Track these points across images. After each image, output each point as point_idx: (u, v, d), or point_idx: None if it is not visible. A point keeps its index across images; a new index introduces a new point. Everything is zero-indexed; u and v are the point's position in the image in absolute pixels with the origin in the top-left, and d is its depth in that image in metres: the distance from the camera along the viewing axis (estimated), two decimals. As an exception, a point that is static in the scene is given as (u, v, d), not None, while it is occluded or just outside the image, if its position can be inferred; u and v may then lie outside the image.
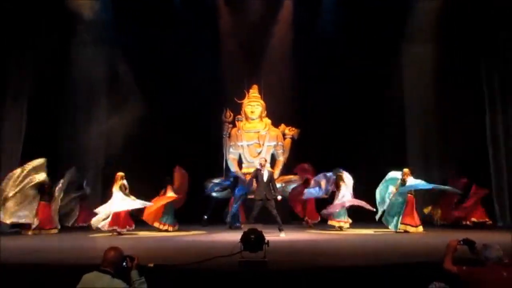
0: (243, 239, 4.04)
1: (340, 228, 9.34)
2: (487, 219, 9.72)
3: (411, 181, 8.93)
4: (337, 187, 9.64)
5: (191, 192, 10.40)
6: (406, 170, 9.13)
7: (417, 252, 5.36)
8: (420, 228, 8.85)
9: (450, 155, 11.04)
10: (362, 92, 12.12)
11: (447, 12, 11.19)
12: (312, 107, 12.40)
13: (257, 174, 8.47)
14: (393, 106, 12.27)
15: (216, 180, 11.64)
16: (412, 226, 8.76)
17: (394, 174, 9.27)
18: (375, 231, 8.91)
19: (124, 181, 8.96)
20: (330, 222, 9.58)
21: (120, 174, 9.03)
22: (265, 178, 8.32)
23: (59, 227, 9.69)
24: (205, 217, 10.80)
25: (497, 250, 3.71)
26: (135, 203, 8.93)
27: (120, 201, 8.74)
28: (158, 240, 7.88)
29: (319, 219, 10.49)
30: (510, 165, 10.64)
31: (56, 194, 9.58)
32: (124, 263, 3.20)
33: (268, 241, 4.08)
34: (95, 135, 11.72)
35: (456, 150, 10.99)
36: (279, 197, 8.44)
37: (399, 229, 8.77)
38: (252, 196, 8.98)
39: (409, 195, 8.97)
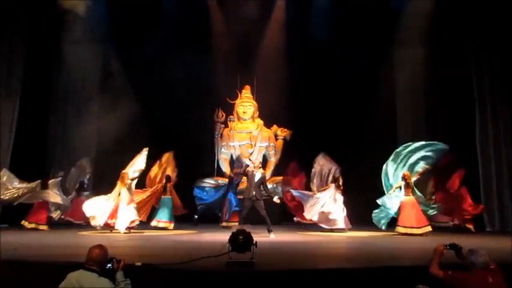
0: (231, 239, 4.03)
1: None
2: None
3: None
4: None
5: (182, 192, 10.38)
6: (407, 173, 9.12)
7: (404, 255, 5.39)
8: (427, 228, 8.68)
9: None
10: (355, 93, 12.20)
11: (438, 14, 11.33)
12: (304, 108, 12.41)
13: (248, 172, 8.41)
14: (385, 107, 12.35)
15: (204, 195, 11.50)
16: (414, 227, 8.62)
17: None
18: (368, 235, 8.92)
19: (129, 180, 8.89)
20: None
21: (126, 172, 8.94)
22: (256, 179, 8.24)
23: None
24: (196, 216, 10.78)
25: (483, 256, 3.74)
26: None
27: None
28: (147, 238, 7.85)
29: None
30: (499, 170, 10.75)
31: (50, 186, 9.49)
32: (110, 265, 3.17)
33: (256, 242, 4.07)
34: (87, 133, 11.66)
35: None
36: (277, 200, 8.34)
37: (398, 232, 8.74)
38: (241, 196, 8.97)
39: (406, 197, 8.95)
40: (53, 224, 9.74)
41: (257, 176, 8.29)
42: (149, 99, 12.11)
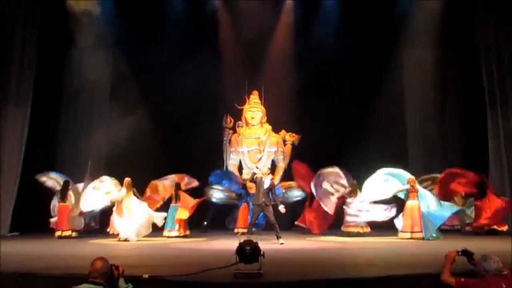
0: (238, 250, 4.00)
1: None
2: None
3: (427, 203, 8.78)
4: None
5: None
6: (412, 178, 9.02)
7: (416, 263, 5.29)
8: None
9: (450, 162, 10.99)
10: (363, 97, 12.15)
11: (446, 15, 11.26)
12: (312, 113, 12.36)
13: (256, 180, 8.38)
14: (394, 111, 12.29)
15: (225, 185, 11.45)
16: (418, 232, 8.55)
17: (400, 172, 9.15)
18: (378, 239, 8.81)
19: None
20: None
21: (129, 179, 8.97)
22: (265, 185, 8.22)
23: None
24: (205, 223, 10.78)
25: (496, 262, 3.67)
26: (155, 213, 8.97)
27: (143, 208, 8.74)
28: (155, 248, 7.83)
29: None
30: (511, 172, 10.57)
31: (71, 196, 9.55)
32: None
33: (263, 252, 4.03)
34: (96, 141, 11.75)
35: (457, 157, 11.00)
36: (283, 210, 8.20)
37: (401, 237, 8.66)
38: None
39: (411, 201, 8.84)
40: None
41: (266, 182, 8.27)
42: (158, 104, 12.16)
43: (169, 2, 12.62)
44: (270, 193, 8.22)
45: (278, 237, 7.85)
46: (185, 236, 9.37)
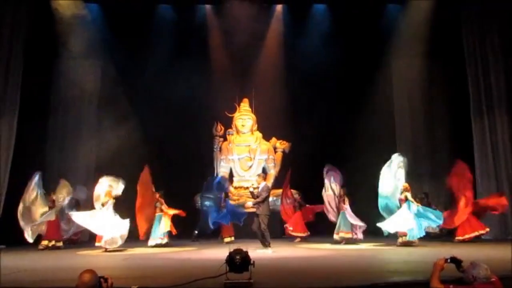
0: (228, 260, 3.98)
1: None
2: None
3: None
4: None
5: (180, 207, 10.31)
6: (406, 184, 9.06)
7: (406, 270, 5.31)
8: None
9: (438, 166, 11.11)
10: (353, 105, 12.23)
11: (434, 24, 11.46)
12: (303, 121, 12.42)
13: (254, 193, 8.48)
14: (383, 118, 12.40)
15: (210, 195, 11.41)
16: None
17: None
18: (369, 246, 8.84)
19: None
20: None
21: (109, 190, 8.88)
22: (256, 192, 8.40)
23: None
24: (196, 232, 10.69)
25: (484, 269, 3.69)
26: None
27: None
28: (144, 258, 7.74)
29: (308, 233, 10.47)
30: (499, 178, 10.70)
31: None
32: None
33: (253, 261, 4.02)
34: (85, 151, 11.63)
35: (444, 161, 11.16)
36: (249, 204, 8.49)
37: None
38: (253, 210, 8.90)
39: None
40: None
41: (260, 189, 8.40)
42: (147, 111, 12.09)
43: (159, 9, 12.60)
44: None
45: (267, 245, 7.89)
46: (166, 245, 9.31)
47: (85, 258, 7.78)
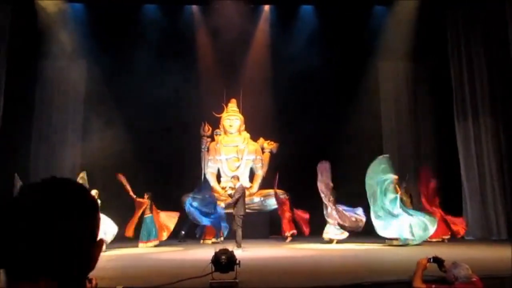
0: (214, 260, 3.98)
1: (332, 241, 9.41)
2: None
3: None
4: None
5: (167, 207, 10.26)
6: (395, 177, 9.19)
7: (389, 270, 5.37)
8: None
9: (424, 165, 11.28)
10: (340, 105, 12.33)
11: (420, 28, 11.63)
12: (290, 121, 12.47)
13: (238, 191, 8.54)
14: (370, 118, 12.53)
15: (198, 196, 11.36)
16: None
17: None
18: (355, 246, 8.92)
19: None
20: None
21: (96, 191, 8.80)
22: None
23: None
24: (183, 232, 10.65)
25: (465, 269, 3.76)
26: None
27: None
28: (129, 259, 7.69)
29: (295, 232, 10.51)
30: (482, 179, 10.88)
31: None
32: None
33: (239, 261, 4.03)
34: (70, 151, 11.49)
35: (429, 161, 11.33)
36: (222, 205, 8.73)
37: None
38: (231, 211, 8.95)
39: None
40: None
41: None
42: (134, 112, 11.97)
43: (145, 9, 12.53)
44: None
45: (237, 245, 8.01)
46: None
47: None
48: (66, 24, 11.42)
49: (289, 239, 10.26)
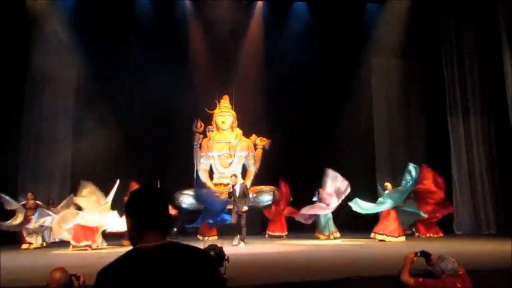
0: (202, 255, 3.98)
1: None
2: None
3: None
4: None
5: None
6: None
7: (377, 264, 5.42)
8: (402, 238, 8.90)
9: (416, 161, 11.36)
10: (333, 102, 12.38)
11: (412, 25, 11.68)
12: (283, 118, 12.48)
13: (231, 194, 8.89)
14: (362, 116, 12.61)
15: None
16: (390, 236, 8.83)
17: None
18: (344, 242, 8.99)
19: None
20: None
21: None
22: (238, 193, 8.77)
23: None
24: (175, 229, 10.64)
25: (452, 262, 3.82)
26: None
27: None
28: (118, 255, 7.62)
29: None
30: (472, 174, 10.99)
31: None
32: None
33: (228, 257, 4.03)
34: (61, 151, 11.40)
35: (421, 157, 11.41)
36: (245, 208, 8.79)
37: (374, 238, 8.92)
38: (231, 207, 9.28)
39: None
40: None
41: (238, 189, 8.81)
42: (126, 109, 11.93)
43: (137, 5, 12.43)
44: (244, 196, 8.77)
45: (242, 240, 8.31)
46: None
47: (60, 257, 7.67)
48: (56, 19, 11.28)
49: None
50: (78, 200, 8.62)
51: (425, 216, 9.32)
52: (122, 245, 8.74)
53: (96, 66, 11.72)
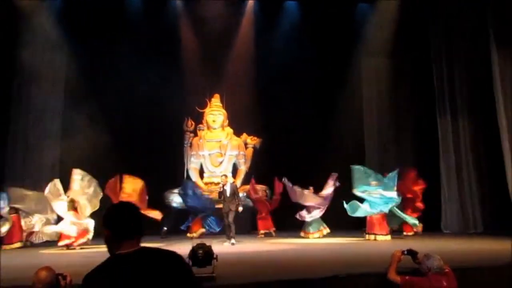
0: (191, 254, 3.99)
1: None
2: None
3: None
4: None
5: (150, 203, 10.19)
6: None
7: (365, 262, 5.47)
8: (388, 237, 8.96)
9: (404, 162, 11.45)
10: (322, 101, 12.44)
11: (402, 25, 11.77)
12: (274, 116, 12.50)
13: (221, 194, 8.93)
14: (352, 115, 12.67)
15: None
16: (380, 235, 8.90)
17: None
18: (332, 240, 9.05)
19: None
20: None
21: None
22: (228, 193, 8.85)
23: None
24: (165, 228, 10.60)
25: (438, 260, 3.87)
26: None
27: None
28: (106, 255, 7.55)
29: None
30: (459, 173, 11.12)
31: None
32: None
33: (217, 255, 4.04)
34: (49, 149, 11.28)
35: (410, 157, 11.52)
36: (240, 209, 8.88)
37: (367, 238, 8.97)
38: (221, 206, 9.26)
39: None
40: None
41: (228, 189, 8.88)
42: (116, 108, 11.81)
43: (128, 3, 12.35)
44: (234, 196, 8.87)
45: (230, 238, 8.38)
46: None
47: (47, 256, 7.60)
48: (45, 17, 11.14)
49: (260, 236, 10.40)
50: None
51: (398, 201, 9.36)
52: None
53: (85, 64, 11.63)
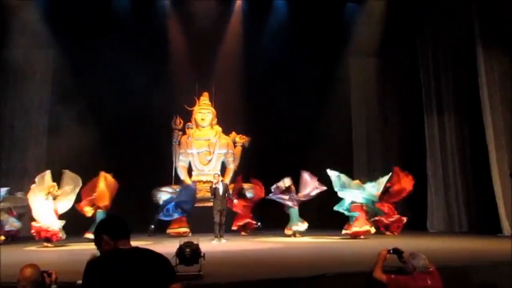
0: (178, 253, 3.98)
1: (294, 235, 9.53)
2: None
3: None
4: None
5: (138, 201, 10.13)
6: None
7: (351, 261, 5.52)
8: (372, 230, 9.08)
9: (392, 163, 11.55)
10: (311, 100, 12.51)
11: (389, 25, 11.86)
12: (262, 115, 12.53)
13: (214, 191, 9.00)
14: (340, 114, 12.76)
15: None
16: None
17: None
18: (319, 239, 9.10)
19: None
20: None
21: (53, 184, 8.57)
22: (221, 192, 8.94)
23: None
24: (152, 226, 10.52)
25: (423, 259, 3.91)
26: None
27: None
28: (90, 253, 7.49)
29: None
30: (446, 174, 11.26)
31: None
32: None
33: (204, 254, 4.04)
34: (35, 147, 11.13)
35: (397, 158, 11.62)
36: (235, 201, 9.33)
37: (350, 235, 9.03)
38: (211, 204, 9.29)
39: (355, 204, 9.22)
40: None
41: (221, 188, 8.96)
42: (104, 106, 11.74)
43: (116, 1, 12.26)
44: (226, 195, 9.03)
45: (220, 236, 8.51)
46: None
47: (31, 253, 7.50)
48: (32, 13, 10.99)
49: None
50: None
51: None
52: (86, 238, 8.70)
53: (73, 62, 11.55)
